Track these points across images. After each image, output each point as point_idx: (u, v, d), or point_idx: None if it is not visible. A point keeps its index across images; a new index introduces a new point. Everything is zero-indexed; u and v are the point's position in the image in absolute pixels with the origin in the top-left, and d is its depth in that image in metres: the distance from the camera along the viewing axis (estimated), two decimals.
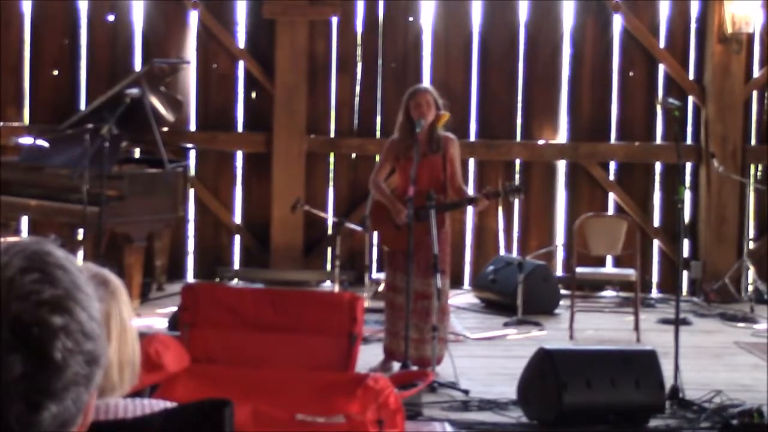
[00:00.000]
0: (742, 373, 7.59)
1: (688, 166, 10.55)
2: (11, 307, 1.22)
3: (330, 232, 10.44)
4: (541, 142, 10.67)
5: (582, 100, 10.73)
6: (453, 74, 10.63)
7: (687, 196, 10.41)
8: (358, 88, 10.71)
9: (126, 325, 2.26)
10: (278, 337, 5.58)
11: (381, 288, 8.58)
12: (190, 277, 10.61)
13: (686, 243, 10.40)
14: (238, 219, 10.71)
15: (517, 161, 10.73)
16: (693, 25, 10.66)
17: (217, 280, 10.31)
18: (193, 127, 10.65)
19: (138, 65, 10.37)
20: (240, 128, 10.72)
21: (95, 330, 1.28)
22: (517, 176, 10.59)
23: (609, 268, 10.29)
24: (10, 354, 1.21)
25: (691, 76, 10.65)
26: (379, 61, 10.66)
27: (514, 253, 10.41)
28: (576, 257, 9.17)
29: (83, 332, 1.26)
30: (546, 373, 6.29)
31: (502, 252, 10.49)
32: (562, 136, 10.73)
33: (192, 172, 10.35)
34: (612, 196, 10.71)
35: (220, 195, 10.68)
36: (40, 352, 1.22)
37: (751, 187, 10.66)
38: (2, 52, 10.38)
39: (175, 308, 7.96)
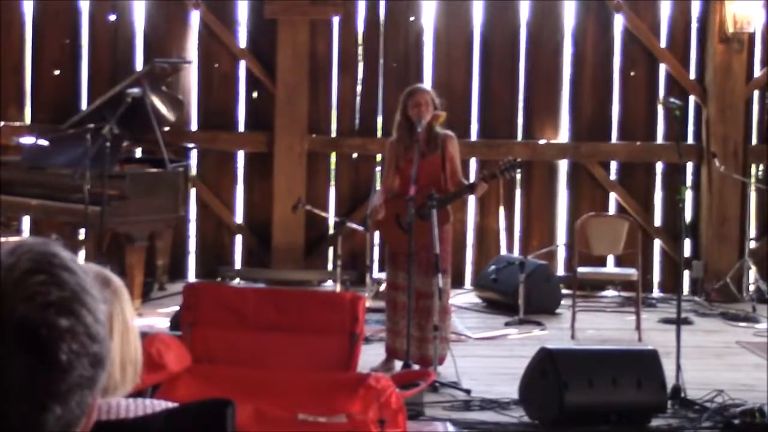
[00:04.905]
0: (744, 373, 7.58)
1: (690, 165, 10.54)
2: (17, 308, 1.22)
3: (331, 231, 10.45)
4: (542, 141, 10.66)
5: (583, 100, 10.73)
6: (454, 74, 10.62)
7: (688, 195, 10.41)
8: (359, 88, 10.71)
9: (128, 324, 2.26)
10: (280, 337, 5.58)
11: (382, 287, 8.58)
12: (191, 277, 10.60)
13: (687, 242, 10.40)
14: (239, 219, 10.71)
15: (518, 161, 10.70)
16: (694, 25, 10.65)
17: (219, 279, 10.30)
18: (194, 127, 10.65)
19: (139, 65, 10.37)
20: (241, 128, 10.72)
21: (100, 332, 1.28)
22: (518, 177, 10.57)
23: (610, 268, 10.28)
24: (15, 355, 1.21)
25: (692, 76, 10.65)
26: (381, 61, 10.65)
27: (516, 253, 10.40)
28: (577, 257, 9.16)
29: (89, 335, 1.26)
30: (547, 372, 6.29)
31: (503, 252, 10.49)
32: (563, 136, 10.73)
33: (193, 171, 10.34)
34: (613, 196, 10.70)
35: (221, 195, 10.68)
36: (45, 353, 1.22)
37: (753, 187, 10.65)
38: (3, 52, 10.38)
39: (176, 308, 7.97)
